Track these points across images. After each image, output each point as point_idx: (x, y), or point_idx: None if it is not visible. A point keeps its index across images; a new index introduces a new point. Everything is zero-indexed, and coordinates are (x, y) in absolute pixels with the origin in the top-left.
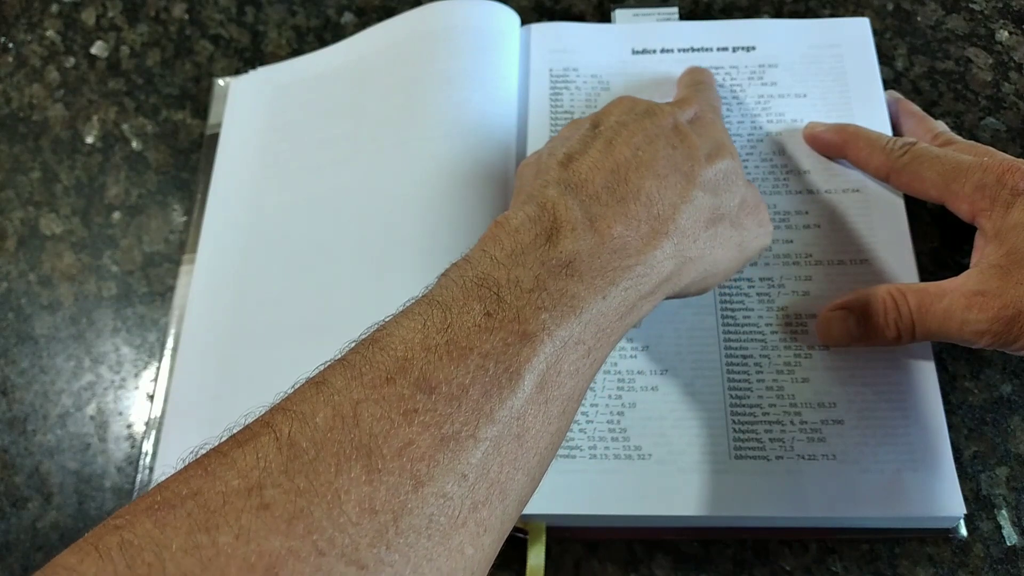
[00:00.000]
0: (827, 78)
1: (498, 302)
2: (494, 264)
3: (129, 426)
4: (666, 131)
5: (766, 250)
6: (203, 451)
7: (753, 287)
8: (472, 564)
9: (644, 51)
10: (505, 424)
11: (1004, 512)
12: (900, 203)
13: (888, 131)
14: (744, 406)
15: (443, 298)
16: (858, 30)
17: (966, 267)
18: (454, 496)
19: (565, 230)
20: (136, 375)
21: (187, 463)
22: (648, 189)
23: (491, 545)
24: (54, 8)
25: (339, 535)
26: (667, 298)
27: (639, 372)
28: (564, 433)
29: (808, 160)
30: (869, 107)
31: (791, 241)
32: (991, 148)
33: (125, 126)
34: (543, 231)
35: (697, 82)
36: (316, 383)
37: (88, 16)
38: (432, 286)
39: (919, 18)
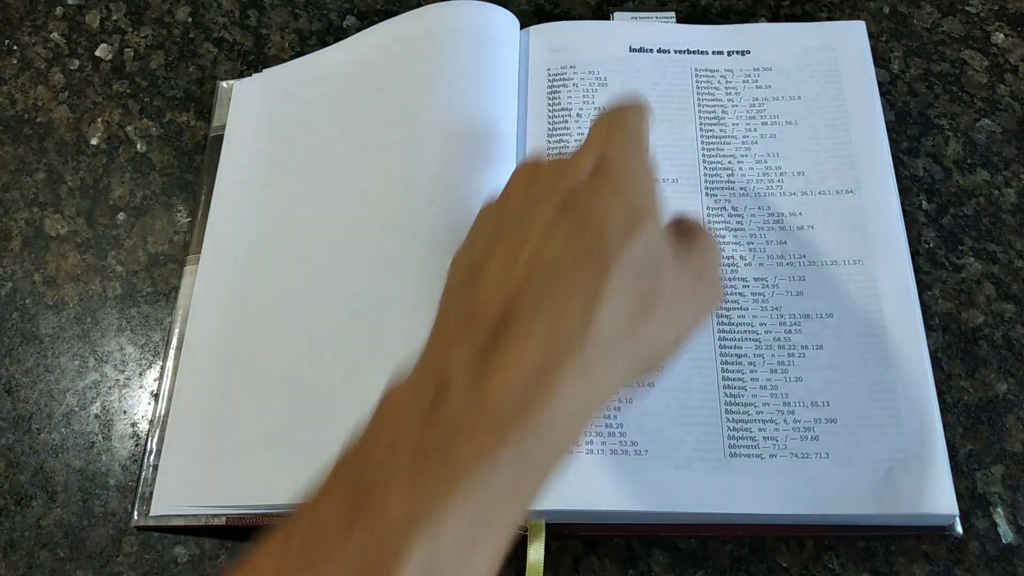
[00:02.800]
0: (822, 81)
1: (354, 489)
2: (366, 464)
3: (133, 425)
4: (567, 213)
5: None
6: None
7: (748, 287)
8: None
9: (642, 49)
10: None
11: (1000, 510)
12: (895, 204)
13: (883, 133)
14: (738, 404)
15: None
16: (854, 33)
17: (961, 267)
18: None
19: (447, 398)
20: (140, 374)
21: None
22: (543, 320)
23: None
24: (58, 11)
25: None
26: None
27: None
28: None
29: (802, 162)
30: (864, 110)
31: (785, 242)
32: None
33: (129, 128)
34: (426, 401)
35: (609, 127)
36: None
37: (92, 19)
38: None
39: (915, 20)
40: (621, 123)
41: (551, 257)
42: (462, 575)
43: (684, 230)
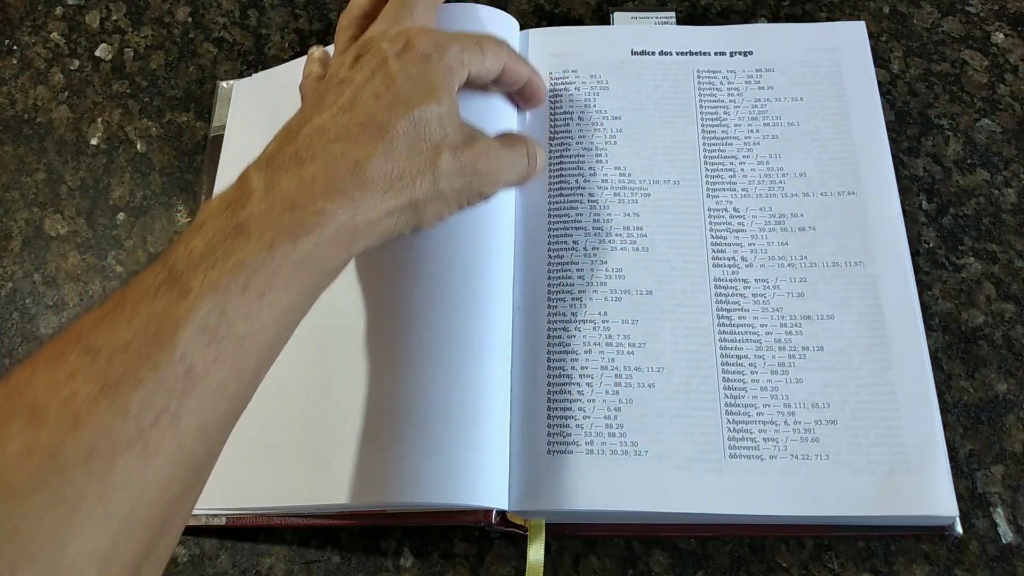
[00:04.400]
0: (823, 82)
1: (167, 270)
2: (179, 240)
3: None
4: (373, 76)
5: (523, 180)
6: None
7: (748, 288)
8: (143, 478)
9: (644, 52)
10: (169, 365)
11: (999, 510)
12: (896, 205)
13: (883, 134)
14: (739, 406)
15: (134, 278)
16: (854, 33)
17: (961, 267)
18: (114, 429)
19: (244, 199)
20: None
21: None
22: (333, 152)
23: (168, 464)
24: (58, 11)
25: None
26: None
27: (636, 369)
28: (254, 370)
29: (804, 163)
30: (865, 111)
31: (786, 243)
32: None
33: (129, 128)
34: (229, 203)
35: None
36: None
37: (92, 19)
38: None
39: (915, 20)
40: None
41: (345, 122)
42: (243, 322)
43: (507, 137)
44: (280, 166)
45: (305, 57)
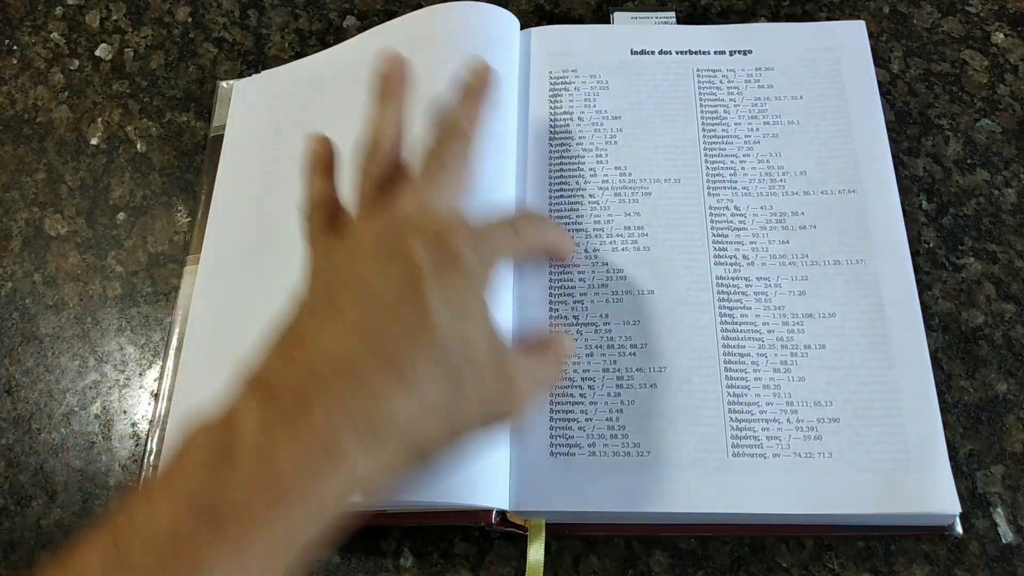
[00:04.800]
0: (823, 81)
1: (116, 560)
2: (145, 496)
3: (133, 425)
4: (403, 300)
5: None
6: None
7: (750, 286)
8: None
9: (643, 51)
10: None
11: (999, 510)
12: (896, 204)
13: (883, 132)
14: (741, 404)
15: (75, 550)
16: (854, 33)
17: (961, 267)
18: None
19: (229, 457)
20: (140, 374)
21: None
22: (342, 396)
23: None
24: (58, 11)
25: None
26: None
27: (638, 369)
28: None
29: (805, 161)
30: (865, 110)
31: (787, 242)
32: None
33: (129, 128)
34: (211, 455)
35: (446, 129)
36: None
37: (92, 19)
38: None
39: (915, 20)
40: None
41: (370, 335)
42: None
43: (533, 345)
44: (280, 412)
45: (305, 59)
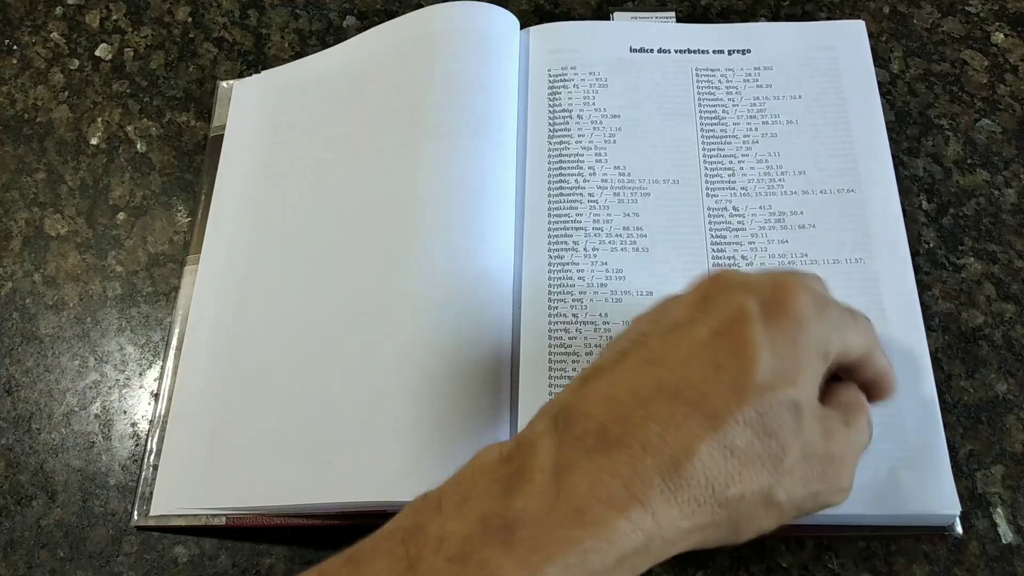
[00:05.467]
0: (822, 80)
1: (412, 549)
2: (435, 510)
3: (134, 425)
4: (722, 339)
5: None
6: None
7: None
8: None
9: (642, 49)
10: None
11: (1000, 510)
12: (895, 203)
13: (883, 133)
14: None
15: (362, 552)
16: (854, 33)
17: (961, 267)
18: None
19: (525, 480)
20: (141, 374)
21: None
22: (647, 436)
23: None
24: (58, 11)
25: None
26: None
27: None
28: None
29: (804, 161)
30: (864, 110)
31: (786, 241)
32: None
33: (129, 128)
34: (505, 476)
35: (801, 279)
36: None
37: (92, 19)
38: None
39: (915, 20)
40: (810, 284)
41: (673, 385)
42: None
43: (843, 401)
44: (577, 442)
45: (305, 59)
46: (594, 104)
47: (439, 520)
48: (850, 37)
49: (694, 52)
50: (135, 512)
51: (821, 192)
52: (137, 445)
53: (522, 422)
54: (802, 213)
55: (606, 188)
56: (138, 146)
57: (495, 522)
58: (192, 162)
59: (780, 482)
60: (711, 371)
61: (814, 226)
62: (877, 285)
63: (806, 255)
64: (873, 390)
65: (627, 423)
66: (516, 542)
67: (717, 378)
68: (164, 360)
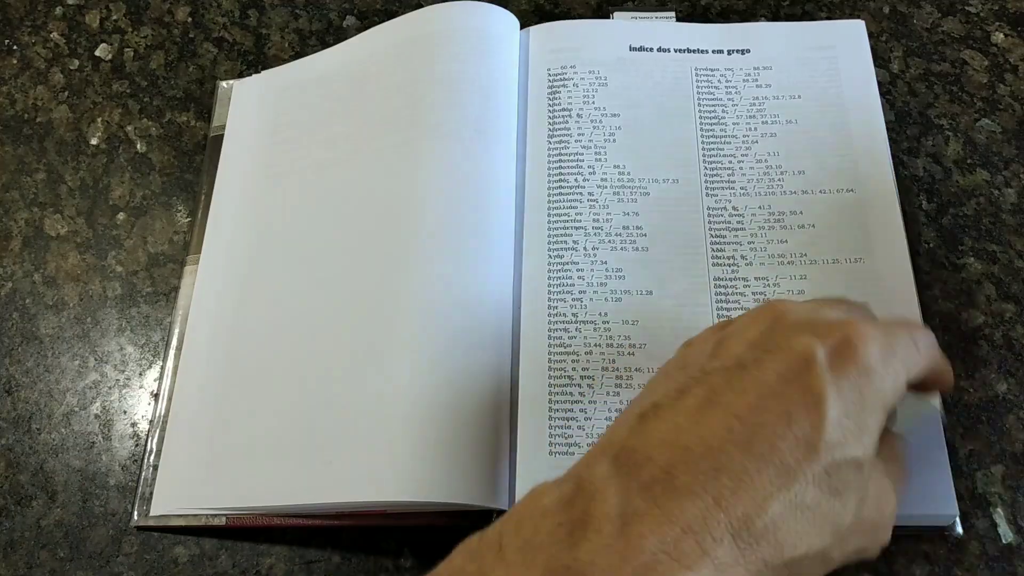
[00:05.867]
0: (822, 80)
1: None
2: (497, 556)
3: (134, 425)
4: (791, 387)
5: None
6: None
7: (748, 286)
8: None
9: (642, 48)
10: None
11: (1000, 510)
12: (895, 203)
13: (883, 132)
14: None
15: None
16: (853, 32)
17: (961, 267)
18: None
19: (591, 528)
20: (141, 374)
21: None
22: (720, 488)
23: None
24: (58, 11)
25: None
26: None
27: (636, 370)
28: None
29: (803, 160)
30: (864, 109)
31: (785, 241)
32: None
33: (129, 128)
34: (568, 522)
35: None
36: None
37: (92, 19)
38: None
39: (915, 20)
40: (874, 332)
41: (745, 437)
42: None
43: (892, 455)
44: (644, 491)
45: (305, 59)
46: (594, 103)
47: (503, 568)
48: (850, 37)
49: (694, 52)
50: (135, 512)
51: (820, 192)
52: (137, 445)
53: (521, 420)
54: (801, 213)
55: (606, 187)
56: (138, 146)
57: (562, 574)
58: (192, 162)
59: (838, 543)
60: (782, 423)
61: (814, 226)
62: (877, 285)
63: (805, 255)
64: (939, 385)
65: (697, 473)
66: None
67: (788, 431)
68: (164, 360)
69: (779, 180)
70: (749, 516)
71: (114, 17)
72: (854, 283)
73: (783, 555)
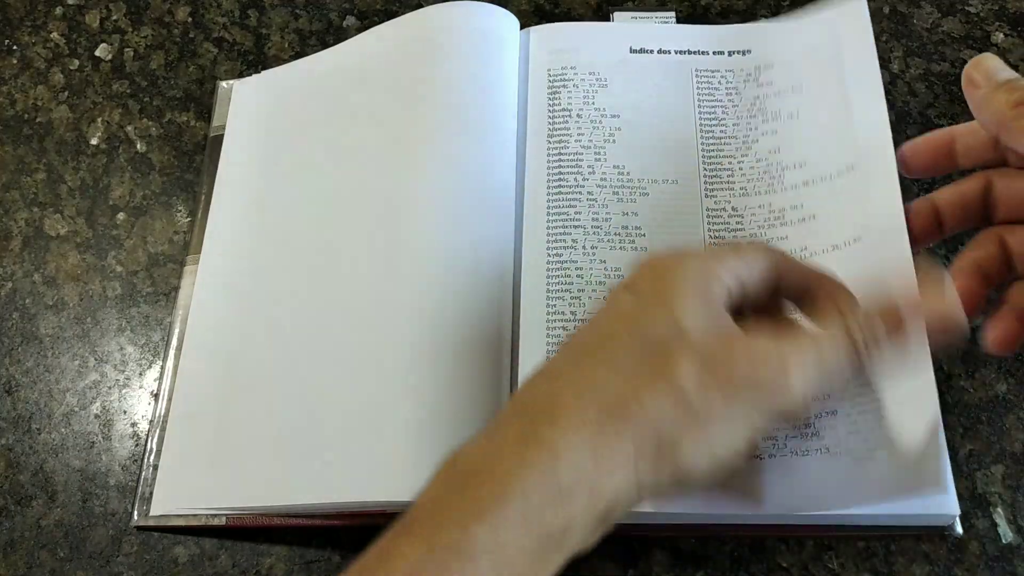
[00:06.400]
0: (823, 68)
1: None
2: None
3: (133, 425)
4: (617, 303)
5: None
6: None
7: None
8: None
9: (642, 50)
10: None
11: (1000, 510)
12: (895, 179)
13: (885, 117)
14: None
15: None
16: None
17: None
18: None
19: (489, 434)
20: (140, 374)
21: None
22: (586, 369)
23: None
24: (58, 11)
25: None
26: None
27: None
28: None
29: (804, 149)
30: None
31: (785, 237)
32: None
33: (129, 128)
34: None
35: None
36: None
37: (92, 19)
38: None
39: (915, 20)
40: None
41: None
42: None
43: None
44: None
45: (305, 59)
46: (594, 104)
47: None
48: (851, 19)
49: (694, 53)
50: (135, 512)
51: (821, 178)
52: (137, 445)
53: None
54: (802, 206)
55: (605, 187)
56: (138, 146)
57: (454, 476)
58: (192, 162)
59: (685, 392)
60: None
61: (815, 217)
62: (875, 263)
63: (806, 248)
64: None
65: (574, 367)
66: (477, 485)
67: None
68: (164, 360)
69: (779, 176)
70: (621, 393)
71: (114, 17)
72: (853, 266)
73: (656, 435)
